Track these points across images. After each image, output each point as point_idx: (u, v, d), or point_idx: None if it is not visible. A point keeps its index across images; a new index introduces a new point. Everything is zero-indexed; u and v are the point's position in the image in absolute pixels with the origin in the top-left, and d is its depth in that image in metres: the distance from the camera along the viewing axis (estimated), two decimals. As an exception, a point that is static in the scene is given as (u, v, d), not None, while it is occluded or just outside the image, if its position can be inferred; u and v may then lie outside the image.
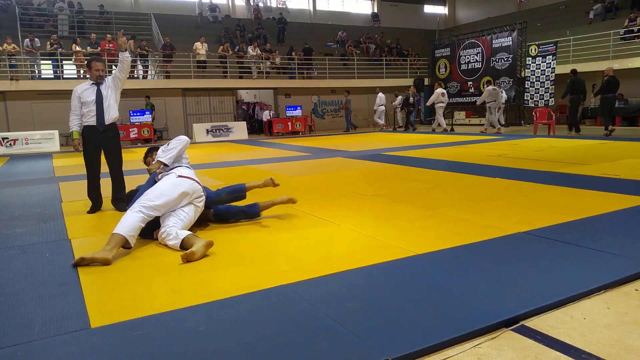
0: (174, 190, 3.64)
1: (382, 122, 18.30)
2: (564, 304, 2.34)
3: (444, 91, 15.87)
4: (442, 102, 15.70)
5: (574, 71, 13.22)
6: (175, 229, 3.53)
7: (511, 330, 2.12)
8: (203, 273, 2.97)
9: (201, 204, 3.90)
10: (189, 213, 3.74)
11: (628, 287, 2.53)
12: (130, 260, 3.29)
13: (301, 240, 3.64)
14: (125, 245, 3.33)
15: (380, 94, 18.01)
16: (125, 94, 15.82)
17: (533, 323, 2.17)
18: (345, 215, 4.37)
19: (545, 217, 3.92)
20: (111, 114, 4.87)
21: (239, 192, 4.25)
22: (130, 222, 3.36)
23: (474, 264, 2.91)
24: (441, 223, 3.93)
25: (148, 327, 2.23)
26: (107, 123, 4.85)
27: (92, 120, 4.80)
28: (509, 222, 3.86)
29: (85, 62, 4.84)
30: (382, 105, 18.09)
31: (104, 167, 4.98)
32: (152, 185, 3.81)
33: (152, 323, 2.27)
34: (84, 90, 4.80)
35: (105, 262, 3.16)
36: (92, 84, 4.84)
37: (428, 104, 16.29)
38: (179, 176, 3.78)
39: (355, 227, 3.92)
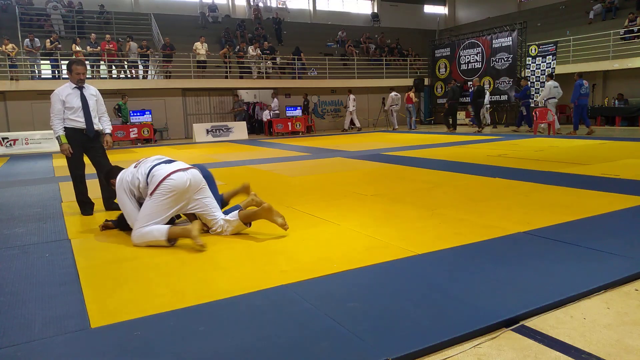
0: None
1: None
2: (564, 304, 2.34)
3: (354, 97, 18.70)
4: (349, 107, 18.77)
5: (454, 81, 17.44)
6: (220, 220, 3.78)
7: (511, 330, 2.12)
8: (203, 273, 2.97)
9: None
10: (209, 199, 3.82)
11: (628, 287, 2.53)
12: (130, 260, 3.29)
13: (301, 240, 3.63)
14: (167, 244, 3.52)
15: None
16: (125, 93, 15.96)
17: (533, 323, 2.17)
18: (345, 215, 4.37)
19: (545, 217, 3.92)
20: (96, 121, 4.90)
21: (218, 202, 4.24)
22: (157, 231, 3.53)
23: (474, 264, 2.91)
24: (441, 223, 3.93)
25: (148, 327, 2.23)
26: (96, 129, 4.87)
27: (77, 124, 4.76)
28: (509, 222, 3.86)
29: (67, 63, 4.78)
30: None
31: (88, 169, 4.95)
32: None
33: (152, 323, 2.27)
34: (68, 95, 4.73)
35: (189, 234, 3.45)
36: (74, 87, 4.79)
37: (350, 108, 18.83)
38: (151, 193, 3.64)
39: (355, 227, 3.92)
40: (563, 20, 20.94)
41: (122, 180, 3.80)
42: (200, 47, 17.71)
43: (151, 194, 3.60)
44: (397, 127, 18.43)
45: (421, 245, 3.33)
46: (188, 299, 2.53)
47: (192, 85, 17.80)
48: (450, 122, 16.30)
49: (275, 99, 18.43)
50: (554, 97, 13.51)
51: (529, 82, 16.24)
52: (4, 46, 15.00)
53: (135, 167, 3.81)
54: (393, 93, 18.39)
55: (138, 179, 3.69)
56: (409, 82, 20.79)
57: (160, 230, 3.50)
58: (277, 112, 18.38)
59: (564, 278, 2.63)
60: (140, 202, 3.76)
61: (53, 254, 3.49)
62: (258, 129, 19.36)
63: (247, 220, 3.77)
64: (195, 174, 3.74)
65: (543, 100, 13.60)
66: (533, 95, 15.82)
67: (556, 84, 13.63)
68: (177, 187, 3.57)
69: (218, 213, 3.83)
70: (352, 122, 18.99)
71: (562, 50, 16.63)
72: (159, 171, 3.63)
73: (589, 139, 11.10)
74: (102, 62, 16.85)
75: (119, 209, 4.94)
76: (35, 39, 15.84)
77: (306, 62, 20.28)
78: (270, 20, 23.42)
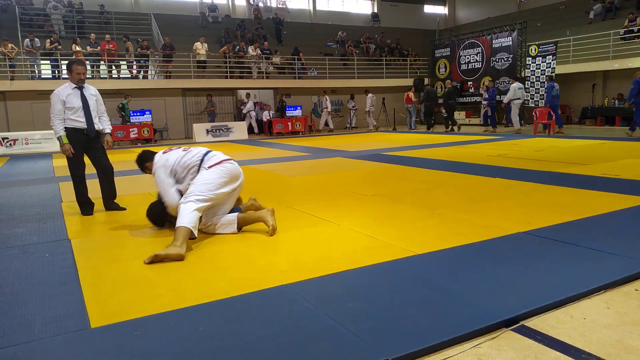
0: (220, 179, 3.78)
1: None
2: (564, 304, 2.34)
3: (326, 97, 19.23)
4: (327, 108, 19.11)
5: (428, 84, 19.01)
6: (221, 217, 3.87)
7: (511, 330, 2.12)
8: (203, 273, 2.97)
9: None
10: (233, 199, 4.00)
11: (628, 287, 2.53)
12: (130, 260, 3.29)
13: (301, 240, 3.64)
14: (191, 236, 3.44)
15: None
16: (128, 94, 15.95)
17: (533, 323, 2.17)
18: (345, 215, 4.37)
19: (545, 217, 3.92)
20: (96, 121, 4.90)
21: None
22: (191, 214, 3.47)
23: (474, 264, 2.91)
24: (441, 223, 3.93)
25: (148, 327, 2.23)
26: (96, 128, 4.87)
27: (78, 124, 4.76)
28: (509, 222, 3.86)
29: (67, 63, 4.79)
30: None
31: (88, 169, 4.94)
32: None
33: (152, 323, 2.27)
34: (68, 95, 4.73)
35: (179, 258, 3.20)
36: (74, 87, 4.78)
37: (328, 108, 19.35)
38: (210, 167, 3.83)
39: (355, 227, 3.92)
40: (563, 20, 20.93)
41: (167, 159, 3.92)
42: (200, 47, 17.71)
43: (209, 167, 3.80)
44: (373, 127, 18.77)
45: (421, 245, 3.33)
46: (188, 299, 2.53)
47: (192, 85, 17.80)
48: (433, 121, 17.18)
49: (250, 101, 18.44)
50: (519, 98, 14.32)
51: (529, 83, 16.29)
52: (2, 47, 15.00)
53: (184, 150, 4.02)
54: (369, 95, 18.70)
55: (191, 159, 3.90)
56: (409, 82, 20.77)
57: (190, 215, 3.47)
58: (251, 111, 18.46)
59: (564, 278, 2.63)
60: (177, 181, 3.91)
61: (53, 254, 3.49)
62: (258, 128, 19.35)
63: (244, 224, 3.92)
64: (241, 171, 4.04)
65: (508, 101, 14.35)
66: (532, 96, 16.01)
67: (520, 85, 14.54)
68: (232, 170, 3.87)
69: (222, 212, 3.92)
70: (326, 123, 19.21)
71: (562, 50, 16.63)
72: (216, 155, 3.96)
73: (561, 137, 11.11)
74: (102, 62, 16.84)
75: (119, 209, 4.98)
76: (35, 39, 15.83)
77: (306, 62, 20.28)
78: (270, 20, 23.41)
